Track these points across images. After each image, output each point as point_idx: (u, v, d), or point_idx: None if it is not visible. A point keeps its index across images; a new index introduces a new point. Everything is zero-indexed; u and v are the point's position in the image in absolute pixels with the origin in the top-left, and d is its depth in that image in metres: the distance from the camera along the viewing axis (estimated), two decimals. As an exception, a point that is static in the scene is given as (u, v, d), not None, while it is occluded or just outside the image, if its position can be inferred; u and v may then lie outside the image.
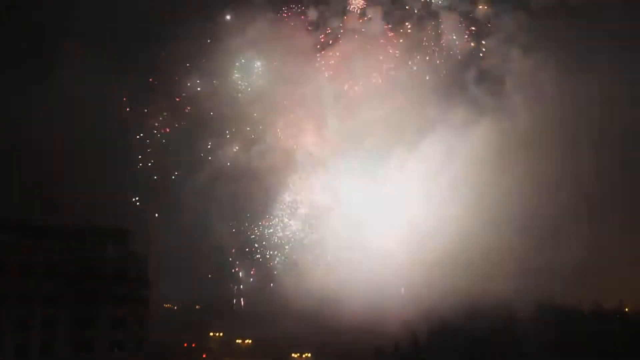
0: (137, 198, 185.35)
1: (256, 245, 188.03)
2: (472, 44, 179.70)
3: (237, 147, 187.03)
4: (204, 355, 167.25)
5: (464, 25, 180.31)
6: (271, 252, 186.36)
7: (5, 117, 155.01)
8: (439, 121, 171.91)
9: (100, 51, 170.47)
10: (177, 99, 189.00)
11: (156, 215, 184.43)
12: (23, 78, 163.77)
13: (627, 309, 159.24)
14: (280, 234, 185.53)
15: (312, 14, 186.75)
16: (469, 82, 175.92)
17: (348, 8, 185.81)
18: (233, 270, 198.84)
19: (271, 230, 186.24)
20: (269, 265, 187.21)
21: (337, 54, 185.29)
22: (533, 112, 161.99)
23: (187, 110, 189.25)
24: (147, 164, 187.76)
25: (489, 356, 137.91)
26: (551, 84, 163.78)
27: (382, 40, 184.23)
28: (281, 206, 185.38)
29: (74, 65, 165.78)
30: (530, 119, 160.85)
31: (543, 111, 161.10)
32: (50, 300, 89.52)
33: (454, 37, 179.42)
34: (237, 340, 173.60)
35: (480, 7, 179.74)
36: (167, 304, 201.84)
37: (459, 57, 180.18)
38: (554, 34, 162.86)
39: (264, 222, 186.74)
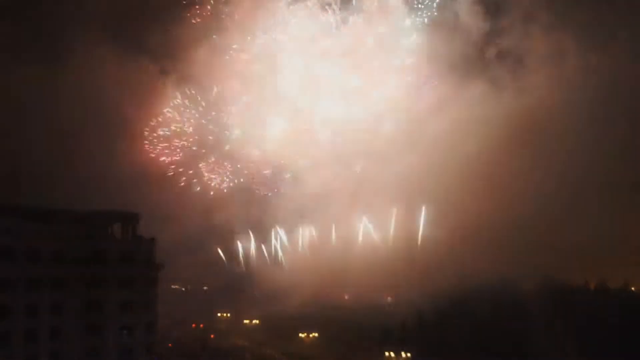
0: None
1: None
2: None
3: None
4: (212, 336, 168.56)
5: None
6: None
7: (14, 103, 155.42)
8: (454, 97, 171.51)
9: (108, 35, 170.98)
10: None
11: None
12: (33, 63, 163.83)
13: (632, 288, 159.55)
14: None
15: None
16: (488, 60, 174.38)
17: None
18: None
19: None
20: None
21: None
22: (552, 91, 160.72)
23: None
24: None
25: (496, 333, 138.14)
26: (572, 63, 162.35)
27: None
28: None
29: (84, 51, 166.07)
30: (548, 98, 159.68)
31: (562, 91, 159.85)
32: (59, 285, 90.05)
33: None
34: (245, 321, 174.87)
35: None
36: (175, 285, 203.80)
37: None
38: (576, 12, 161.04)
39: None
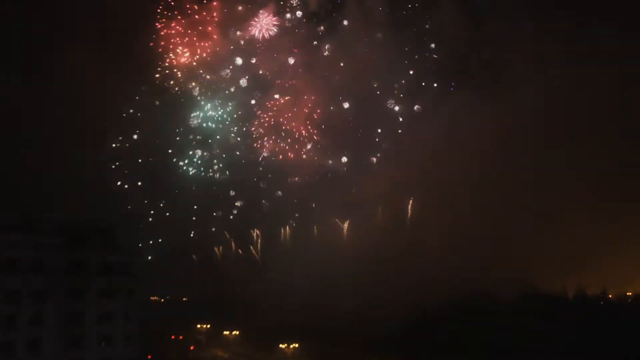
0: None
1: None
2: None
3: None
4: (191, 347, 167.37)
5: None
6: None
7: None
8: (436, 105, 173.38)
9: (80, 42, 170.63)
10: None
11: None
12: (11, 72, 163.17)
13: (610, 296, 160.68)
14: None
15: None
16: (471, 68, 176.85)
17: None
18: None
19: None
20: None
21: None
22: (534, 100, 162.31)
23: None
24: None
25: (477, 343, 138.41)
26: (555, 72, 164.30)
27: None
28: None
29: (64, 59, 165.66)
30: (530, 107, 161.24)
31: (544, 99, 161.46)
32: (38, 296, 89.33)
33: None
34: (225, 332, 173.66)
35: None
36: (154, 296, 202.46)
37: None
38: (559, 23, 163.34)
39: None
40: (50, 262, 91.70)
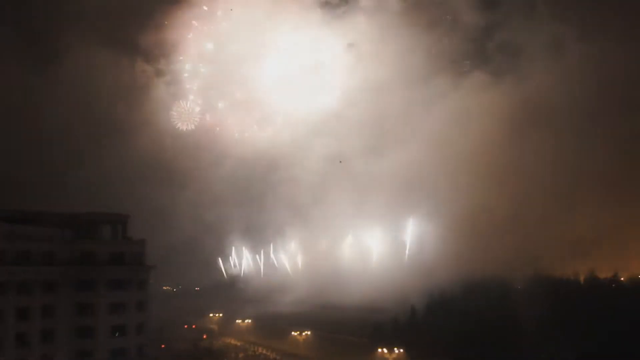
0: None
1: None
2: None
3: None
4: (204, 336, 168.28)
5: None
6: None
7: (1, 105, 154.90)
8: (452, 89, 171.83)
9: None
10: None
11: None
12: (21, 65, 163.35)
13: (622, 279, 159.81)
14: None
15: None
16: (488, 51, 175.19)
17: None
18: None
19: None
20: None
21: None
22: (550, 83, 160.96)
23: None
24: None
25: (487, 328, 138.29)
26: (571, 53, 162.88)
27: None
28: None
29: (76, 52, 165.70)
30: (546, 90, 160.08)
31: (560, 82, 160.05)
32: (50, 288, 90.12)
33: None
34: (237, 320, 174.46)
35: None
36: (166, 286, 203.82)
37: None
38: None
39: None
40: (61, 254, 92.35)
